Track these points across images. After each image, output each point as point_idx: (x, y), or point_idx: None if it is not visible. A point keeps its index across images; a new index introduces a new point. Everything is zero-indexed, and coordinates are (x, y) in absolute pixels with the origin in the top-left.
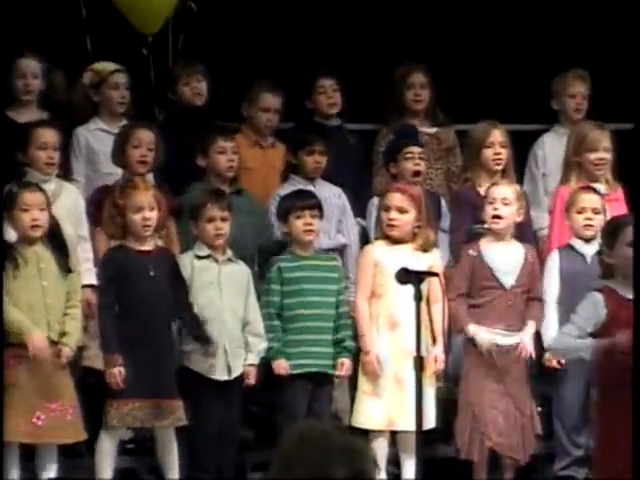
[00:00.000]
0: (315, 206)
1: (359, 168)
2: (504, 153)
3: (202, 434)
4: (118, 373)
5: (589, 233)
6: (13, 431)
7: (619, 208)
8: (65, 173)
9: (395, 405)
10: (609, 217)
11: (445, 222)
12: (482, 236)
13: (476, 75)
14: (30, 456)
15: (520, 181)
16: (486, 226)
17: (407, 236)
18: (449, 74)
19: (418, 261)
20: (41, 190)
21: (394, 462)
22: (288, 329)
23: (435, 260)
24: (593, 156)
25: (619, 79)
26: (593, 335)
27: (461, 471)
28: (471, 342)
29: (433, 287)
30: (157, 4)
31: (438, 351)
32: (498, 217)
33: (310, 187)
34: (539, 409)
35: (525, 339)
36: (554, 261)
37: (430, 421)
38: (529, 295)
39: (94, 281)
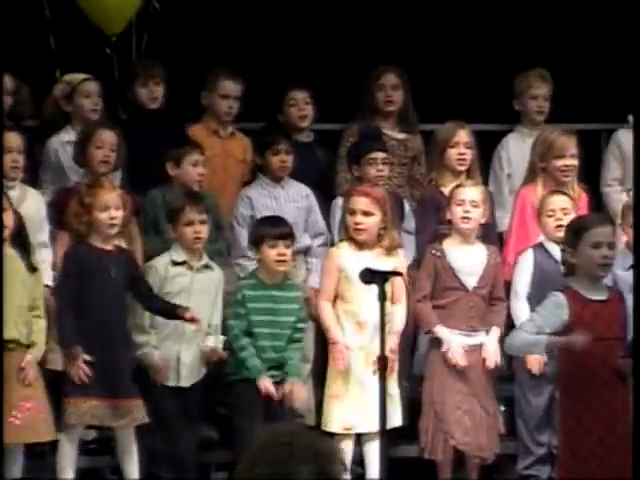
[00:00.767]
0: (289, 235)
1: (324, 181)
2: (469, 154)
3: (162, 433)
4: (82, 363)
5: (560, 234)
6: None
7: None
8: (30, 178)
9: (360, 407)
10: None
11: (409, 223)
12: (445, 237)
13: (444, 75)
14: None
15: (486, 182)
16: (452, 227)
17: (373, 239)
18: (416, 74)
19: (383, 264)
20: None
21: (358, 462)
22: None
23: (399, 262)
24: (560, 163)
25: (582, 79)
26: (554, 335)
27: (426, 471)
28: (436, 342)
29: (396, 288)
30: (120, 4)
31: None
32: (467, 218)
33: (278, 187)
34: (502, 408)
35: (490, 348)
36: (527, 259)
37: (394, 420)
38: (492, 296)
39: (50, 282)
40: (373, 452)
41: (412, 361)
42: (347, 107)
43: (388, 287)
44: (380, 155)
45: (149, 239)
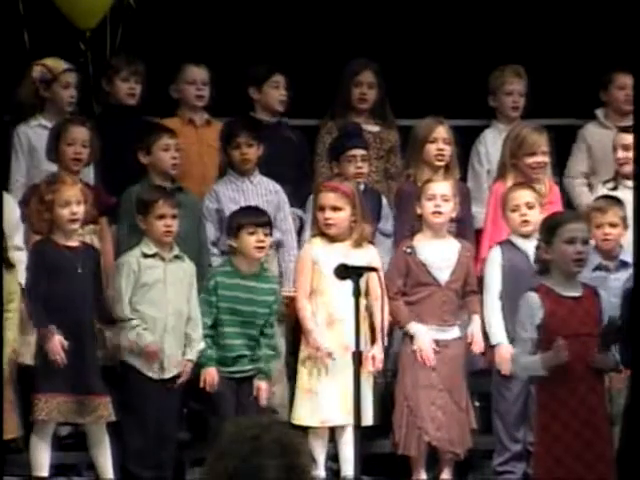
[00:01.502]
0: (268, 224)
1: (301, 163)
2: (447, 149)
3: (138, 430)
4: (58, 342)
5: (526, 229)
6: None
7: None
8: (4, 174)
9: (333, 401)
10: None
11: (386, 224)
12: (416, 232)
13: (419, 70)
14: None
15: (465, 178)
16: (423, 221)
17: (344, 233)
18: (392, 69)
19: (356, 257)
20: None
21: (333, 457)
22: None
23: (373, 256)
24: (531, 160)
25: (557, 75)
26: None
27: (401, 466)
28: (408, 337)
29: (372, 284)
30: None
31: (376, 351)
32: (438, 212)
33: (246, 181)
34: (477, 404)
35: (475, 333)
36: (495, 256)
37: (368, 418)
38: (465, 289)
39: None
40: (347, 447)
41: (386, 358)
42: (320, 102)
43: (362, 282)
44: (359, 152)
45: (123, 234)
